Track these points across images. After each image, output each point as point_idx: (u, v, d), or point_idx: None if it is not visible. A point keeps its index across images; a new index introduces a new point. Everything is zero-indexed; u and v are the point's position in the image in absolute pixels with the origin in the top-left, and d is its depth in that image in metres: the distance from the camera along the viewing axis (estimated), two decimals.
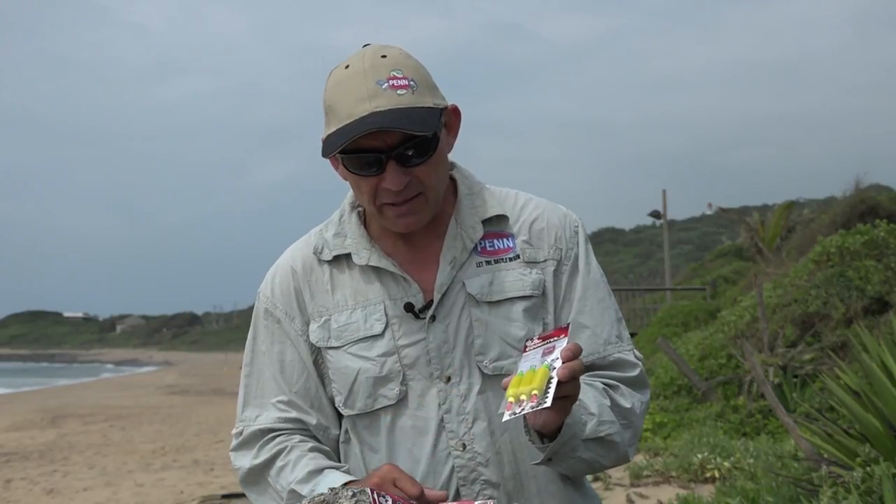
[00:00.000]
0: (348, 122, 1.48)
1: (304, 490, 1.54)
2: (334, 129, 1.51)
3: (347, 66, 1.53)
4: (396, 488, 1.42)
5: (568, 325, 1.47)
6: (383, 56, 1.52)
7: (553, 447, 1.49)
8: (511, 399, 1.36)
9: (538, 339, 1.47)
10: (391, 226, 1.59)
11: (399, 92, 1.49)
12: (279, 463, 1.60)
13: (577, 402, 1.47)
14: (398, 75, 1.51)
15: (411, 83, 1.51)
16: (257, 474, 1.63)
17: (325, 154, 1.54)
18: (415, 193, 1.55)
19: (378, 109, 1.47)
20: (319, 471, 1.55)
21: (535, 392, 1.34)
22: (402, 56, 1.55)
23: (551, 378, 1.35)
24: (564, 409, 1.44)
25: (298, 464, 1.58)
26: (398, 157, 1.51)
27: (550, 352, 1.41)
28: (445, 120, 1.59)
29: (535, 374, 1.37)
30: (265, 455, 1.61)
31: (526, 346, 1.47)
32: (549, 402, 1.32)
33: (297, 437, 1.63)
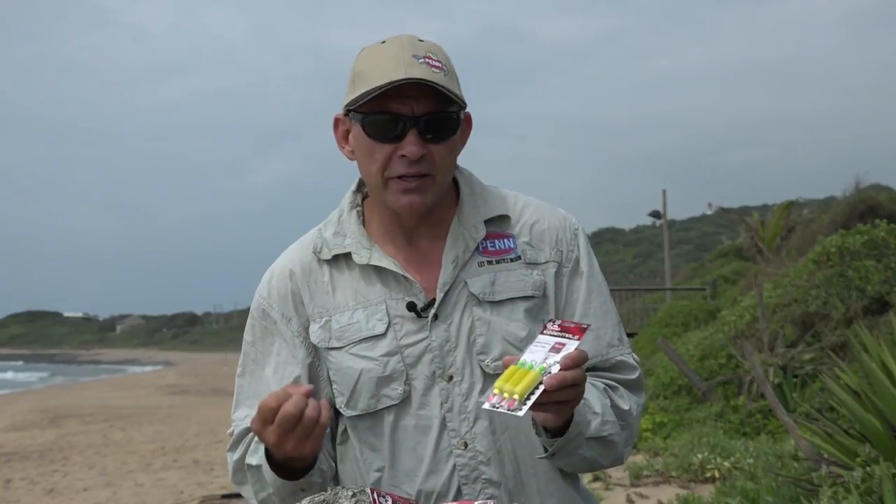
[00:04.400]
0: (383, 82, 1.51)
1: (252, 461, 1.55)
2: (365, 90, 1.52)
3: (384, 42, 1.58)
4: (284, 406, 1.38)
5: (587, 326, 1.44)
6: (421, 40, 1.57)
7: (559, 443, 1.50)
8: (496, 391, 1.34)
9: (558, 325, 1.44)
10: (393, 203, 1.58)
11: (434, 70, 1.53)
12: (250, 450, 1.60)
13: (583, 401, 1.47)
14: (434, 58, 1.55)
15: (445, 68, 1.55)
16: (238, 469, 1.63)
17: (350, 106, 1.56)
18: (425, 172, 1.56)
19: (413, 76, 1.50)
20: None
21: (515, 396, 1.32)
22: (438, 46, 1.60)
23: (539, 385, 1.33)
24: (562, 412, 1.44)
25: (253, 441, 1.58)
26: (422, 126, 1.53)
27: (558, 350, 1.38)
28: (462, 122, 1.63)
29: (526, 375, 1.34)
30: (243, 448, 1.62)
31: (545, 327, 1.44)
32: (521, 413, 1.31)
33: None
